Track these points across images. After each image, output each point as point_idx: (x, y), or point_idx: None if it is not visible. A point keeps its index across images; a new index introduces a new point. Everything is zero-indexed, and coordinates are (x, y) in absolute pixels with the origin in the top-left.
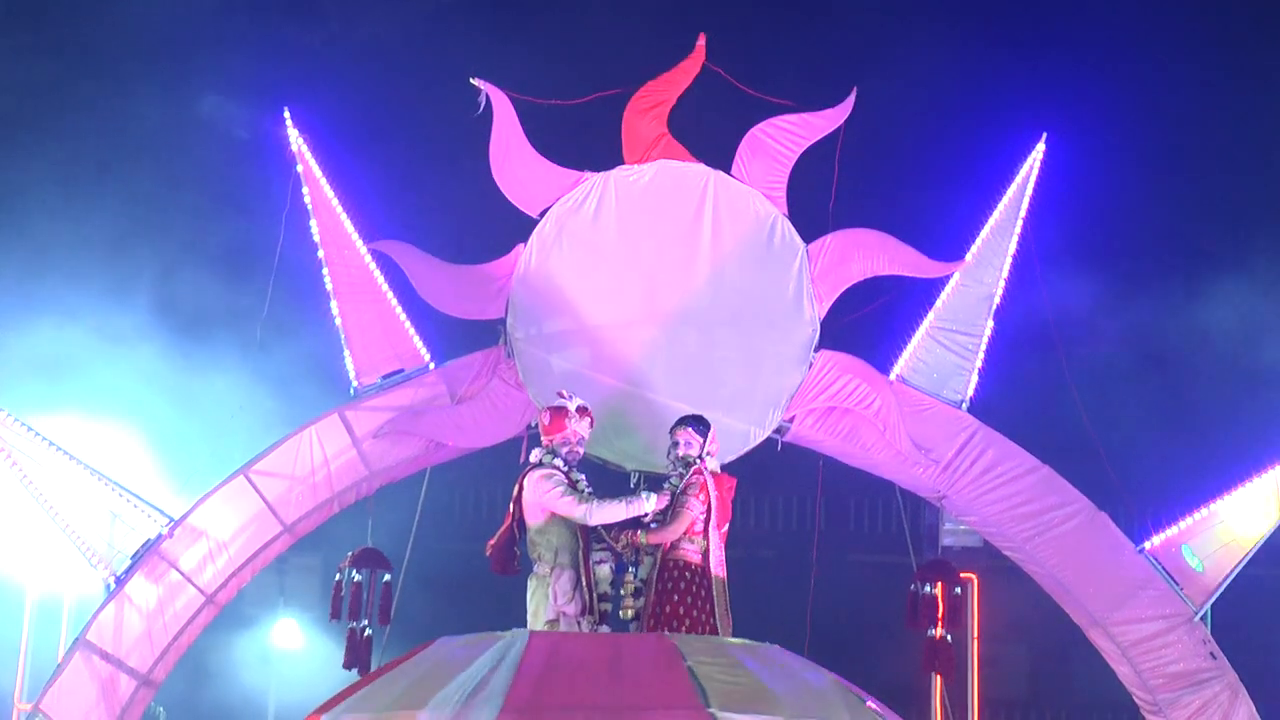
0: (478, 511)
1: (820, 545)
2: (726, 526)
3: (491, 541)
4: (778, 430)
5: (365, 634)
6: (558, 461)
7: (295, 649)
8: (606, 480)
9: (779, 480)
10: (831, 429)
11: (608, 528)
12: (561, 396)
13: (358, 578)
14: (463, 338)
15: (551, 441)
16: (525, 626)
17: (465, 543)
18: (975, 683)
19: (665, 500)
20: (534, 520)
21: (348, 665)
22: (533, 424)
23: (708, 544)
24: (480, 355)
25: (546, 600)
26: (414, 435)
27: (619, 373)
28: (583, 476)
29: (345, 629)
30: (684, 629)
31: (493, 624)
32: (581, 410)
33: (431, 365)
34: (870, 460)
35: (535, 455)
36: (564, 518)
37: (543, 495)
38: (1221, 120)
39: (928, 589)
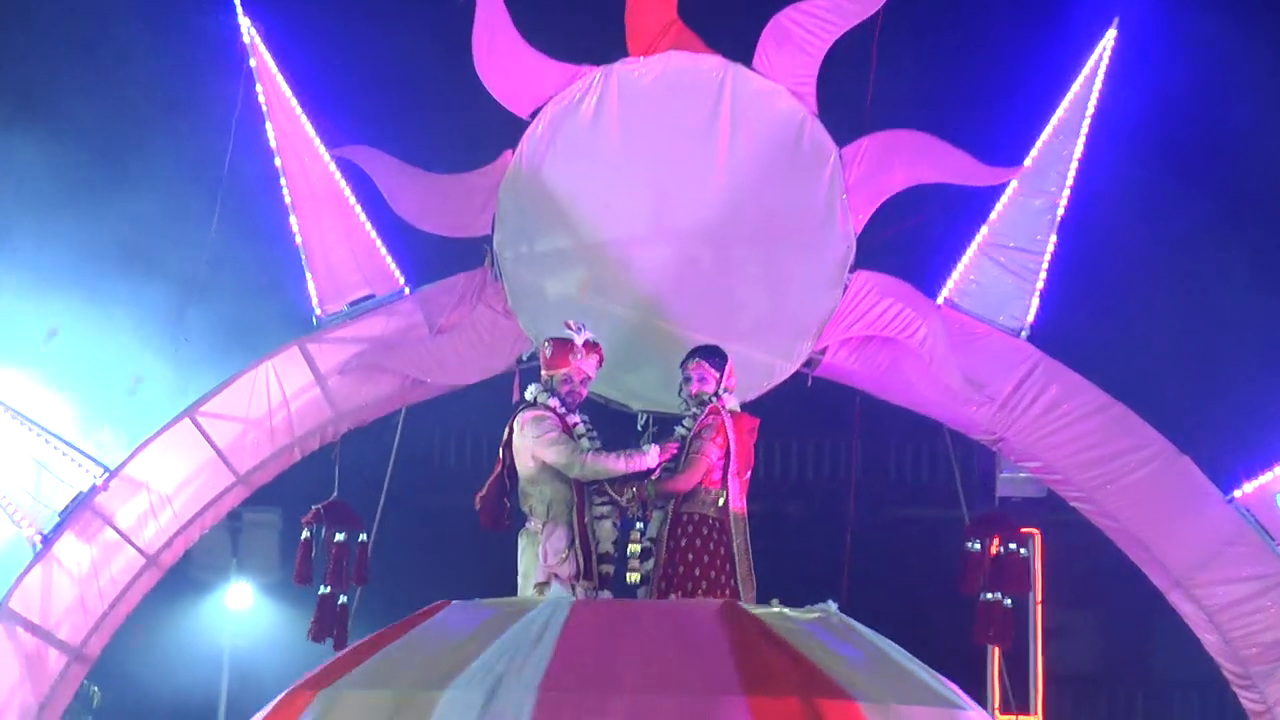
0: (460, 459)
1: (857, 497)
2: (748, 474)
3: (480, 493)
4: (807, 363)
5: (340, 602)
6: (553, 402)
7: (252, 617)
8: (609, 420)
9: (809, 422)
10: (870, 361)
11: (609, 480)
12: (569, 328)
13: (339, 537)
14: (443, 258)
15: (550, 377)
16: (516, 590)
17: (446, 495)
18: (1038, 655)
19: (674, 449)
20: (524, 468)
21: (317, 636)
22: (524, 357)
23: (726, 495)
24: (463, 278)
25: (537, 560)
26: (386, 371)
27: (623, 298)
28: (583, 420)
29: (314, 595)
30: (701, 593)
31: (478, 588)
32: (590, 346)
33: (406, 290)
34: (915, 397)
35: (530, 391)
36: (556, 467)
37: (531, 440)
38: None
39: (982, 547)
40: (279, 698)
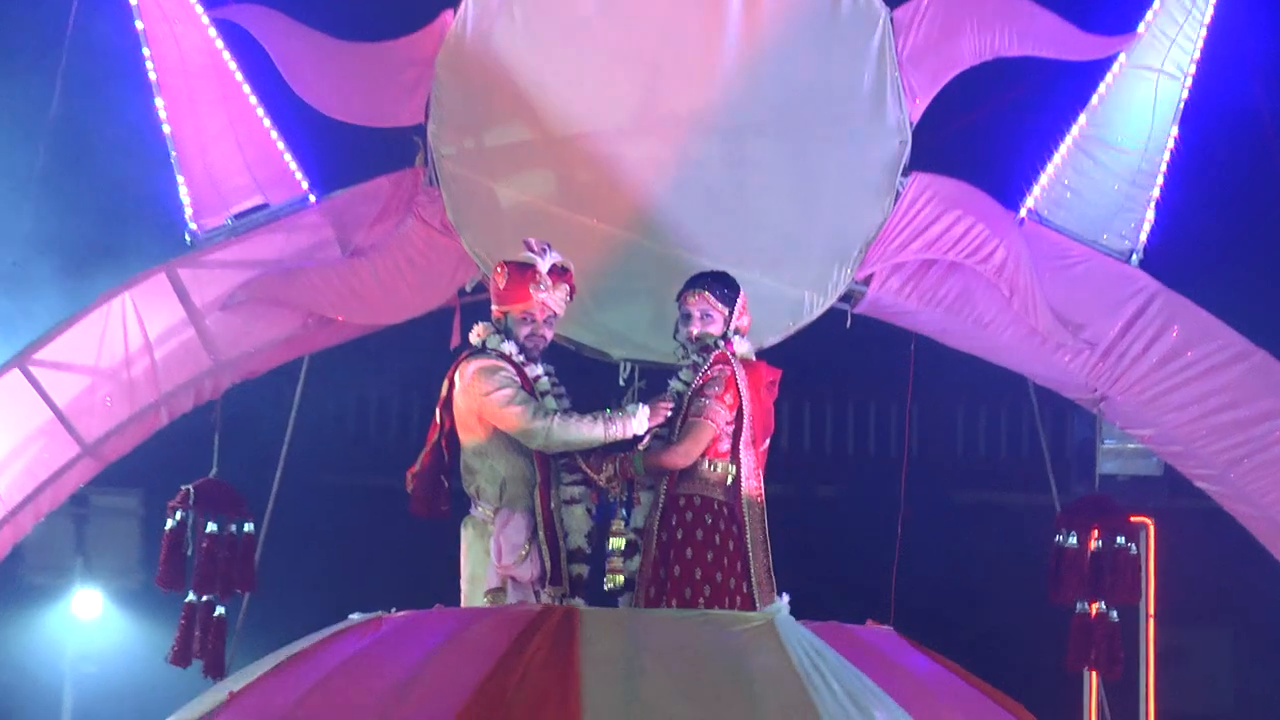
0: (383, 425)
1: (912, 476)
2: (767, 444)
3: (412, 469)
4: (846, 296)
5: (216, 614)
6: (508, 347)
7: (102, 632)
8: (582, 372)
9: (848, 375)
10: (929, 294)
11: (582, 453)
12: (529, 249)
13: (211, 528)
14: (360, 156)
15: (505, 314)
16: (459, 598)
17: (363, 473)
18: (1151, 684)
19: (667, 410)
20: (470, 436)
21: (179, 658)
22: (468, 288)
23: (738, 471)
24: (387, 182)
25: (488, 559)
26: (284, 306)
27: (601, 209)
28: (548, 372)
29: (181, 604)
30: (702, 602)
31: (408, 597)
32: (558, 273)
33: (312, 198)
34: (988, 343)
35: (476, 334)
36: (512, 435)
37: (480, 399)
38: None
39: (1078, 542)
40: None
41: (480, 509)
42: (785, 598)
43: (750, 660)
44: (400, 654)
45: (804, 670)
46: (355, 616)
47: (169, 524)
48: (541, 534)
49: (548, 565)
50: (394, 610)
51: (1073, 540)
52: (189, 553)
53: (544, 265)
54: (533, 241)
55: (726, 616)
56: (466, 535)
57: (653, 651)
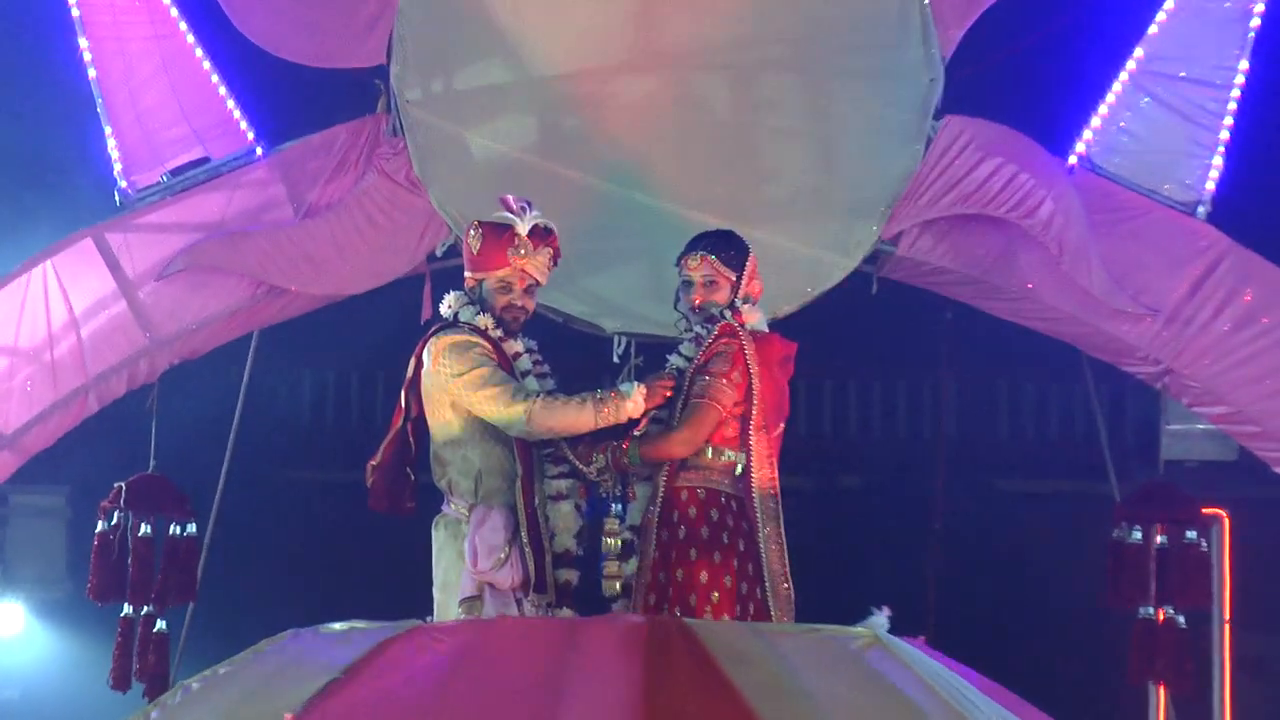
0: (341, 410)
1: (949, 464)
2: (782, 428)
3: (373, 460)
4: (871, 258)
5: (157, 629)
6: (483, 320)
7: (24, 650)
8: (569, 348)
9: (875, 349)
10: (967, 254)
11: (570, 441)
12: (507, 207)
13: (146, 530)
14: (313, 102)
15: (479, 282)
16: (430, 608)
17: (319, 465)
18: (1226, 699)
19: (667, 390)
20: (440, 422)
21: (118, 682)
22: (438, 252)
23: (748, 460)
24: (344, 132)
25: (461, 563)
26: (228, 275)
27: (589, 161)
28: (530, 348)
29: (116, 618)
30: (709, 610)
31: (368, 606)
32: (540, 234)
33: (259, 150)
34: (1034, 310)
35: (447, 306)
36: (488, 421)
37: (451, 379)
38: None
39: (1142, 536)
40: None
41: (453, 506)
42: (886, 612)
43: (888, 679)
44: (503, 676)
45: (941, 687)
46: (339, 626)
47: (100, 526)
48: (524, 534)
49: (531, 570)
50: (363, 623)
51: (1135, 535)
52: (125, 559)
53: (523, 226)
54: (510, 198)
55: (831, 631)
56: (438, 536)
57: (803, 672)
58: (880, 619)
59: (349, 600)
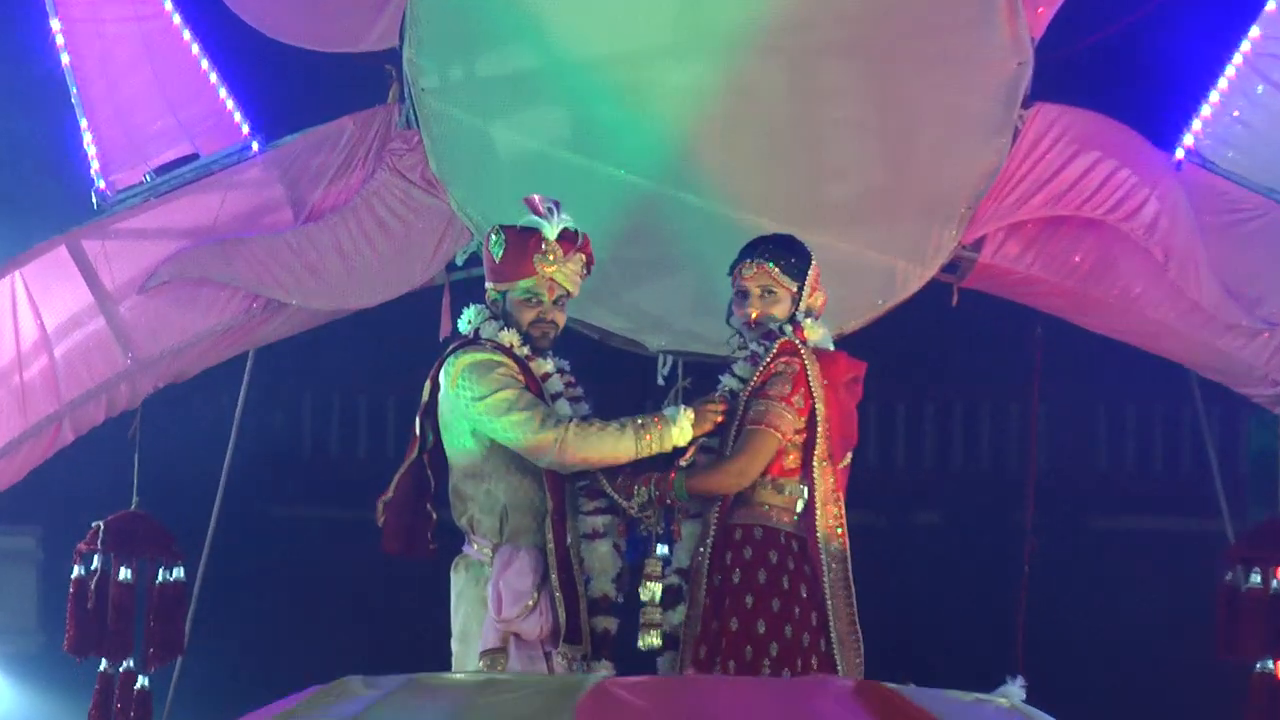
0: (347, 439)
1: (1039, 498)
2: (849, 457)
3: (384, 496)
4: (951, 266)
5: (138, 686)
6: (508, 336)
7: None
8: (606, 368)
9: (955, 368)
10: (1059, 262)
11: (608, 473)
12: (533, 209)
13: (123, 575)
14: (316, 90)
15: (504, 294)
16: (449, 661)
17: (323, 502)
18: None
19: (719, 414)
20: (460, 452)
21: None
22: (458, 260)
23: (811, 494)
24: (351, 124)
25: (484, 611)
26: (220, 288)
27: (628, 156)
28: (560, 369)
29: (95, 673)
30: (767, 664)
31: (378, 660)
32: (571, 239)
33: (255, 146)
34: (1136, 323)
35: (470, 320)
36: (514, 450)
37: (471, 404)
38: None
39: (1263, 579)
40: None
41: (475, 546)
42: (1020, 681)
43: None
44: None
45: None
46: (357, 681)
47: (76, 571)
48: (555, 578)
49: (562, 618)
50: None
51: (1252, 579)
52: (104, 608)
53: (552, 230)
54: (537, 199)
55: (969, 698)
56: (457, 580)
57: None
58: (1015, 689)
59: (357, 653)
